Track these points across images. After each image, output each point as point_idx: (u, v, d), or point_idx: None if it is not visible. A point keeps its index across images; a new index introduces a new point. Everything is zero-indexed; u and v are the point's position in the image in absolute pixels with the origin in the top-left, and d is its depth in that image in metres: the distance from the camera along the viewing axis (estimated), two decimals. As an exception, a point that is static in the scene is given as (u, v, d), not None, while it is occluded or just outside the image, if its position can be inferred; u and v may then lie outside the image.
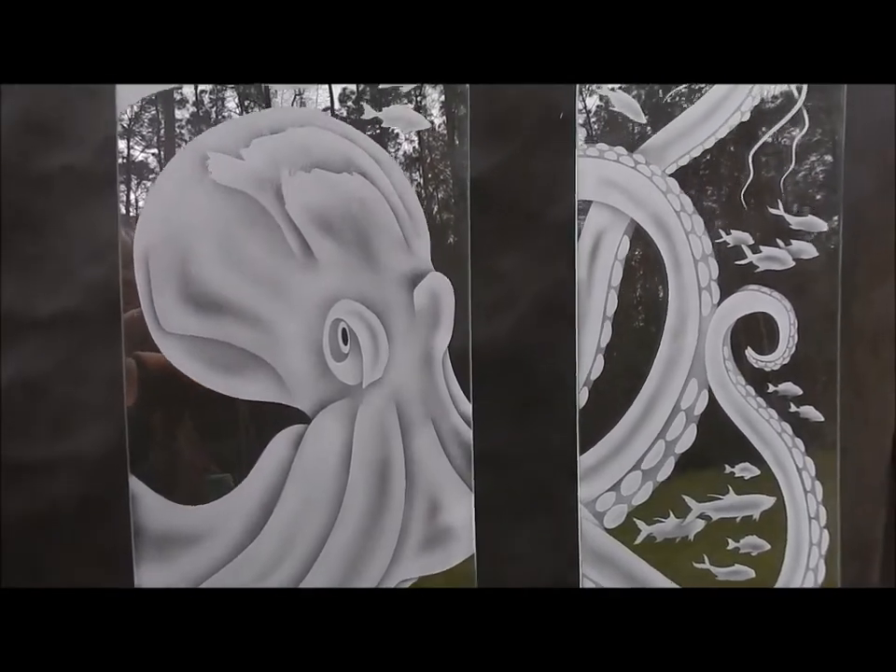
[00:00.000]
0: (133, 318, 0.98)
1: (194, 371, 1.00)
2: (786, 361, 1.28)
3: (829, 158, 1.29)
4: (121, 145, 0.98)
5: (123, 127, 0.98)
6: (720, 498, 1.25)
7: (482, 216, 1.10)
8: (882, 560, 1.39)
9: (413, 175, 1.09)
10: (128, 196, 0.98)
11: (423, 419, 1.09)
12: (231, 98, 1.02)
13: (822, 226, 1.28)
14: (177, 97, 1.00)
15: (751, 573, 1.25)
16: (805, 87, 1.26)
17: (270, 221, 1.02)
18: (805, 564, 1.30)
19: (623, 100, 1.18)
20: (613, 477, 1.19)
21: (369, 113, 1.06)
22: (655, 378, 1.21)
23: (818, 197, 1.29)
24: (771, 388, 1.27)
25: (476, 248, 1.10)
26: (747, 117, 1.24)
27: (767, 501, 1.27)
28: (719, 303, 1.24)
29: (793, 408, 1.28)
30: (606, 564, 1.19)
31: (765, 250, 1.26)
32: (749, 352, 1.26)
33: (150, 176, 0.99)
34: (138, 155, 1.00)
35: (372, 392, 1.07)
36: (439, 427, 1.10)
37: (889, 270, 1.34)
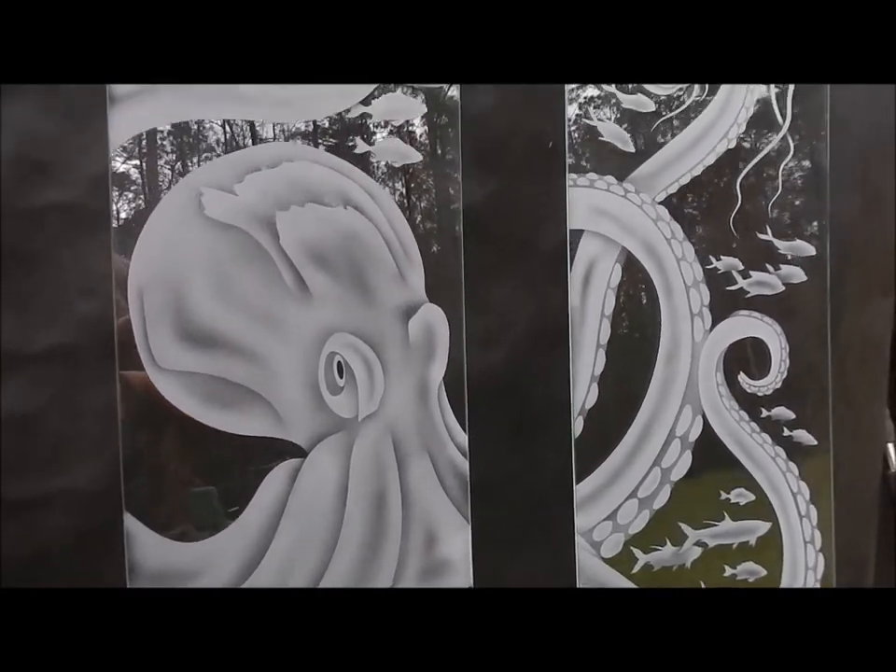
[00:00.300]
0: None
1: (190, 407, 0.99)
2: (778, 386, 1.29)
3: (815, 182, 1.31)
4: (114, 180, 0.98)
5: (116, 162, 0.97)
6: (716, 525, 1.25)
7: (474, 245, 1.11)
8: (875, 581, 1.39)
9: (406, 206, 1.09)
10: (121, 231, 0.98)
11: (419, 451, 1.09)
12: (220, 132, 1.02)
13: (810, 250, 1.30)
14: (171, 132, 1.00)
15: (749, 599, 1.25)
16: (789, 114, 1.28)
17: (264, 256, 1.02)
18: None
19: (612, 130, 1.19)
20: (610, 506, 1.19)
21: (361, 147, 1.06)
22: (650, 405, 1.22)
23: (805, 221, 1.31)
24: (764, 413, 1.28)
25: (469, 278, 1.11)
26: (733, 144, 1.26)
27: (763, 527, 1.28)
28: (711, 329, 1.25)
29: (787, 432, 1.29)
30: (604, 592, 1.19)
31: (755, 275, 1.27)
32: (742, 377, 1.27)
33: (143, 212, 0.98)
34: (131, 190, 0.99)
35: (368, 425, 1.07)
36: (435, 458, 1.10)
37: (875, 288, 1.36)
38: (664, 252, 1.22)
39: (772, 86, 1.28)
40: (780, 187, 1.28)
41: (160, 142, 1.00)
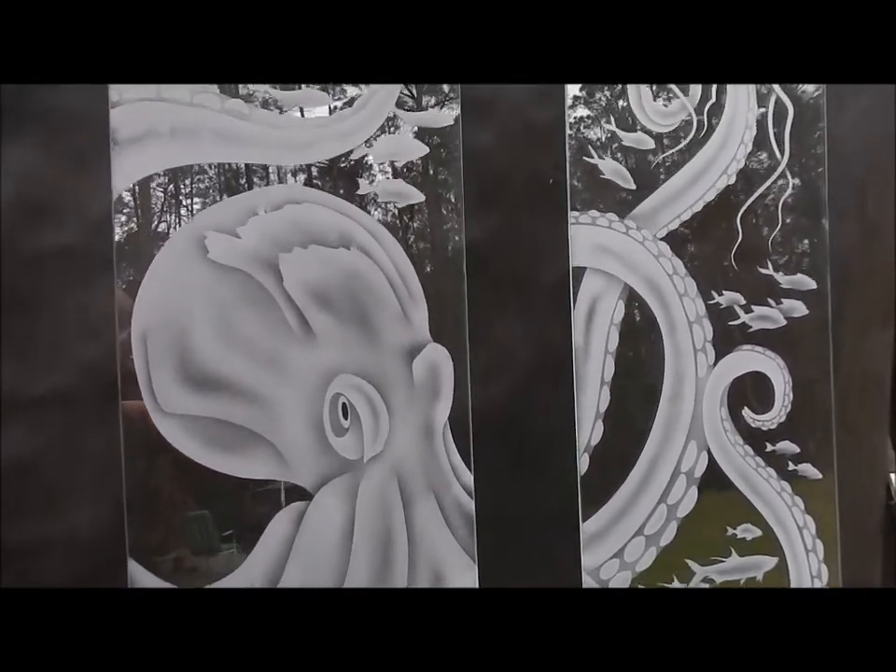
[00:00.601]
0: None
1: (193, 450, 0.99)
2: (782, 420, 1.28)
3: (814, 216, 1.32)
4: (118, 223, 0.98)
5: (119, 205, 0.97)
6: (722, 561, 1.24)
7: (477, 282, 1.11)
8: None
9: (409, 245, 1.09)
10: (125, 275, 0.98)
11: (424, 492, 1.08)
12: (223, 176, 1.02)
13: (811, 283, 1.30)
14: (174, 175, 1.00)
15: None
16: (787, 149, 1.29)
17: (268, 298, 1.01)
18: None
19: (612, 167, 1.19)
20: (616, 544, 1.18)
21: (364, 188, 1.06)
22: (655, 442, 1.21)
23: (805, 255, 1.31)
24: (769, 447, 1.28)
25: (473, 316, 1.10)
26: (733, 179, 1.26)
27: (770, 562, 1.27)
28: (714, 364, 1.25)
29: (792, 466, 1.29)
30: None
31: (757, 310, 1.27)
32: (746, 412, 1.27)
33: (147, 256, 0.98)
34: (135, 234, 0.99)
35: (373, 466, 1.06)
36: (440, 498, 1.09)
37: (875, 320, 1.36)
38: (666, 288, 1.22)
39: (770, 122, 1.28)
40: (780, 221, 1.29)
41: (163, 186, 1.00)
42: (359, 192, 1.06)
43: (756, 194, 1.28)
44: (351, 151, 1.06)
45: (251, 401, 1.01)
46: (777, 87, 1.28)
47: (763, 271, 1.28)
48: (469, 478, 1.10)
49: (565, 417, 1.16)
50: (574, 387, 1.16)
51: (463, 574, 1.10)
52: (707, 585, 1.23)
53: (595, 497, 1.17)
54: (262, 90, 1.03)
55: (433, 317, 1.09)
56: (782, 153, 1.29)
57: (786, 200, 1.29)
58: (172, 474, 0.99)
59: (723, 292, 1.25)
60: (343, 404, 1.05)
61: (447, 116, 1.10)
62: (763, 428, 1.28)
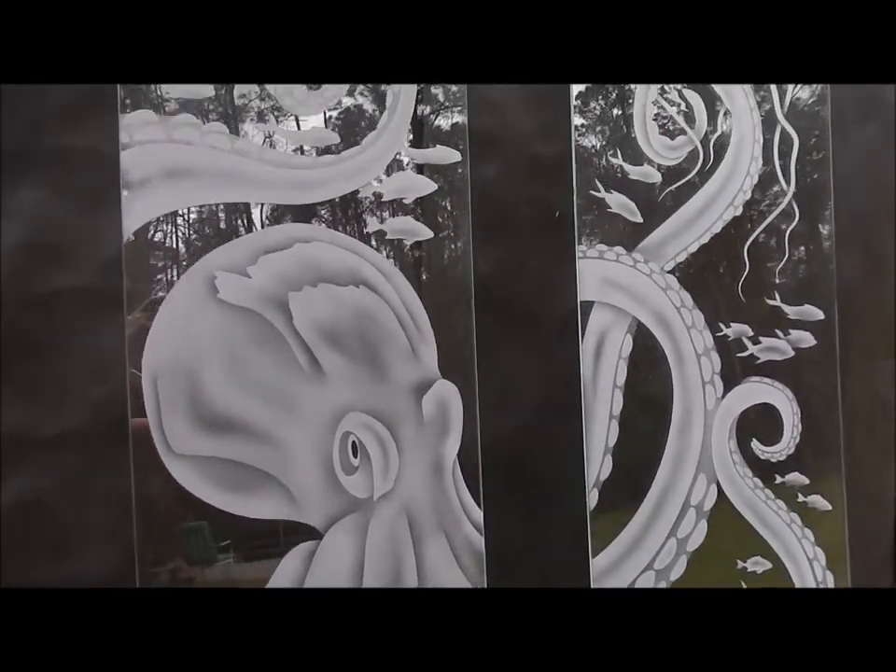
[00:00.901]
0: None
1: (203, 491, 0.98)
2: (791, 451, 1.28)
3: (821, 246, 1.32)
4: (128, 264, 0.98)
5: (130, 247, 0.97)
6: (733, 594, 1.23)
7: (486, 317, 1.11)
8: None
9: (418, 281, 1.09)
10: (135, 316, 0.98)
11: (435, 530, 1.08)
12: (233, 216, 1.02)
13: (819, 314, 1.30)
14: (184, 216, 1.00)
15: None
16: (793, 179, 1.29)
17: (278, 337, 1.01)
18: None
19: (620, 201, 1.19)
20: (626, 578, 1.18)
21: (373, 225, 1.06)
22: (664, 475, 1.21)
23: (812, 285, 1.31)
24: (778, 479, 1.27)
25: (482, 351, 1.10)
26: (739, 211, 1.27)
27: (781, 594, 1.26)
28: (723, 397, 1.25)
29: (801, 498, 1.29)
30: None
31: (765, 341, 1.27)
32: (755, 443, 1.27)
33: (158, 296, 0.98)
34: (145, 275, 0.99)
35: (383, 504, 1.06)
36: (450, 536, 1.09)
37: (883, 350, 1.36)
38: (674, 321, 1.22)
39: (776, 153, 1.29)
40: (787, 252, 1.29)
41: (173, 226, 1.01)
42: (368, 230, 1.07)
43: (763, 225, 1.28)
44: (360, 189, 1.06)
45: (262, 441, 1.01)
46: (781, 118, 1.29)
47: (771, 302, 1.28)
48: (478, 515, 1.10)
49: (574, 452, 1.15)
50: (583, 422, 1.15)
51: (473, 611, 1.09)
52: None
53: (605, 533, 1.17)
54: (272, 129, 1.03)
55: (442, 353, 1.09)
56: (788, 184, 1.29)
57: (792, 230, 1.29)
58: (183, 515, 0.99)
59: (731, 324, 1.25)
60: (353, 442, 1.05)
61: (454, 152, 1.10)
62: (772, 460, 1.28)
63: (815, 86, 1.31)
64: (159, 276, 1.00)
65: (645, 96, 1.21)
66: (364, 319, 1.06)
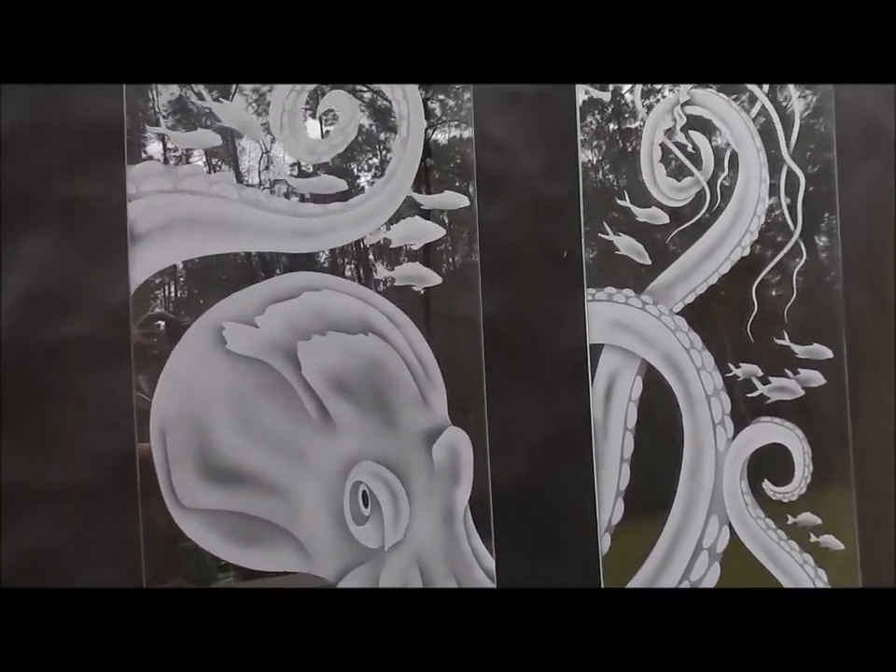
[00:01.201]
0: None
1: (212, 544, 0.97)
2: (803, 491, 1.27)
3: (828, 284, 1.31)
4: (135, 314, 0.97)
5: (137, 297, 0.97)
6: (748, 637, 1.22)
7: (495, 362, 1.10)
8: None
9: (427, 328, 1.08)
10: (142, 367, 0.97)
11: (446, 578, 1.07)
12: (240, 265, 1.02)
13: (827, 353, 1.30)
14: (192, 267, 0.99)
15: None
16: (800, 219, 1.29)
17: (286, 387, 1.00)
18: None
19: (628, 243, 1.19)
20: (641, 624, 1.16)
21: (381, 272, 1.06)
22: (676, 518, 1.20)
23: (820, 324, 1.31)
24: (790, 520, 1.26)
25: (492, 397, 1.10)
26: (747, 251, 1.26)
27: (795, 637, 1.25)
28: (733, 437, 1.24)
29: (814, 538, 1.28)
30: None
31: (775, 381, 1.26)
32: (767, 484, 1.26)
33: (165, 348, 0.97)
34: (153, 325, 0.99)
35: (394, 554, 1.04)
36: (462, 584, 1.07)
37: (890, 386, 1.35)
38: (684, 362, 1.21)
39: (782, 193, 1.29)
40: (795, 291, 1.28)
41: (180, 277, 1.00)
42: (377, 277, 1.06)
43: (771, 265, 1.28)
44: (368, 236, 1.06)
45: (271, 493, 0.99)
46: (788, 158, 1.29)
47: (779, 341, 1.28)
48: (490, 562, 1.09)
49: (585, 496, 1.14)
50: (594, 466, 1.15)
51: (486, 661, 1.08)
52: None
53: (618, 577, 1.16)
54: (279, 177, 1.03)
55: (452, 400, 1.08)
56: (795, 223, 1.29)
57: (800, 269, 1.29)
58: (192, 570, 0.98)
59: (740, 364, 1.25)
60: (364, 492, 1.03)
61: (462, 197, 1.10)
62: (784, 501, 1.27)
63: (820, 124, 1.31)
64: (166, 326, 0.99)
65: (652, 138, 1.21)
66: (373, 367, 1.05)
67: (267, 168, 1.03)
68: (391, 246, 1.07)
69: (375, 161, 1.08)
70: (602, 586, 1.14)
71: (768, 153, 1.28)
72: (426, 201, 1.09)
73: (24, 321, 0.94)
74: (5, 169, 0.93)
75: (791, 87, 1.29)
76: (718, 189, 1.25)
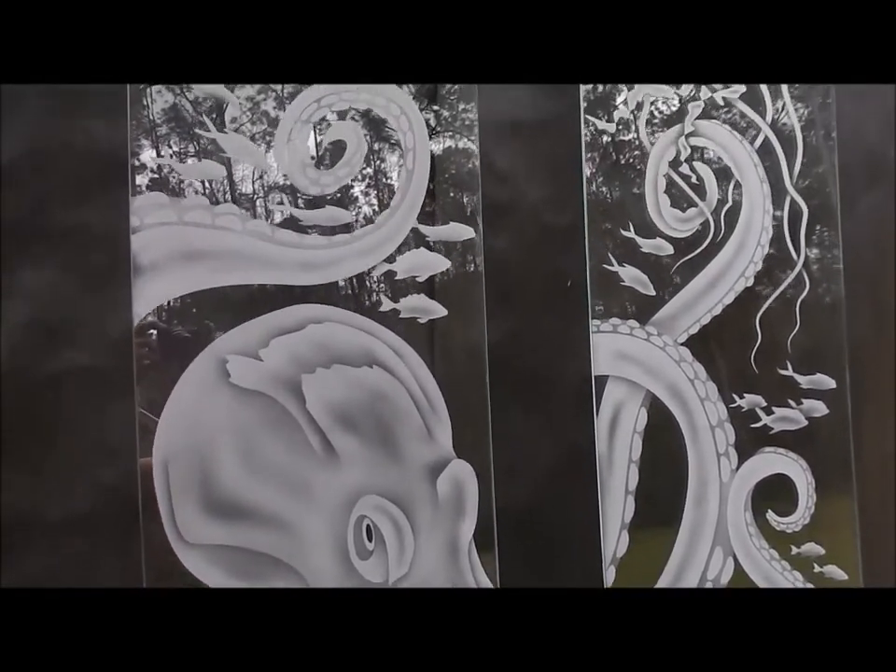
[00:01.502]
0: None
1: (214, 579, 0.96)
2: (806, 521, 1.27)
3: (831, 314, 1.31)
4: (138, 347, 0.96)
5: (140, 330, 0.96)
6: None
7: (500, 396, 1.10)
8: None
9: (432, 360, 1.08)
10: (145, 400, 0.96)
11: (451, 613, 1.05)
12: (244, 298, 1.01)
13: (831, 383, 1.29)
14: (195, 300, 0.99)
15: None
16: (803, 250, 1.29)
17: (290, 421, 1.00)
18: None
19: (632, 274, 1.19)
20: (646, 658, 1.16)
21: (387, 305, 1.05)
22: (680, 550, 1.19)
23: (823, 354, 1.31)
24: (794, 550, 1.26)
25: (497, 430, 1.09)
26: (751, 282, 1.26)
27: (800, 669, 1.24)
28: (737, 468, 1.24)
29: (817, 568, 1.27)
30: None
31: (778, 411, 1.26)
32: (771, 514, 1.25)
33: (169, 380, 0.97)
34: (156, 358, 0.98)
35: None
36: (467, 619, 1.06)
37: (892, 416, 1.35)
38: (688, 393, 1.21)
39: (786, 223, 1.29)
40: (798, 321, 1.28)
41: (184, 309, 0.99)
42: (382, 309, 1.05)
43: (774, 296, 1.28)
44: (373, 268, 1.05)
45: (274, 528, 0.98)
46: (791, 189, 1.29)
47: (783, 371, 1.27)
48: (495, 596, 1.07)
49: (590, 529, 1.14)
50: (599, 498, 1.14)
51: (491, 697, 1.07)
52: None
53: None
54: (284, 209, 1.02)
55: (456, 432, 1.08)
56: (798, 253, 1.29)
57: (803, 300, 1.29)
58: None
59: (744, 395, 1.25)
60: (368, 526, 1.03)
61: (468, 229, 1.10)
62: (788, 531, 1.26)
63: (823, 155, 1.31)
64: (169, 359, 0.98)
65: (656, 168, 1.21)
66: (378, 400, 1.04)
67: (271, 199, 1.03)
68: (396, 278, 1.06)
69: (381, 192, 1.08)
70: (607, 620, 1.13)
71: (771, 184, 1.28)
72: (431, 232, 1.08)
73: (25, 351, 0.93)
74: (6, 197, 0.93)
75: (793, 118, 1.30)
76: (722, 220, 1.25)
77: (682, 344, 1.21)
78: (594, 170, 1.19)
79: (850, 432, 1.30)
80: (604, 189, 1.20)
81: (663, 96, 1.22)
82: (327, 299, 1.03)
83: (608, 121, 1.19)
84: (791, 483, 1.27)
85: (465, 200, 1.12)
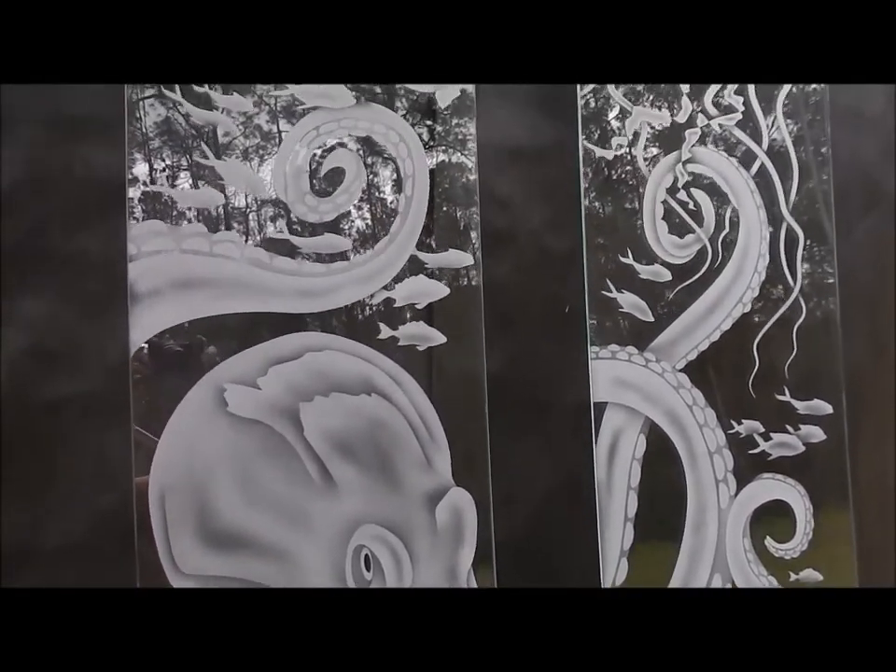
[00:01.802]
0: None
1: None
2: (804, 547, 1.27)
3: (827, 339, 1.32)
4: (135, 375, 0.95)
5: (137, 358, 0.95)
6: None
7: (499, 423, 1.09)
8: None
9: (430, 387, 1.07)
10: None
11: (449, 643, 1.04)
12: (242, 326, 1.00)
13: (827, 408, 1.29)
14: (192, 327, 0.98)
15: None
16: (799, 275, 1.29)
17: (288, 450, 0.99)
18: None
19: (631, 301, 1.19)
20: (645, 687, 1.15)
21: (385, 332, 1.05)
22: (679, 577, 1.19)
23: (820, 379, 1.31)
24: (793, 577, 1.26)
25: (496, 457, 1.08)
26: (748, 308, 1.26)
27: (800, 697, 1.24)
28: (736, 494, 1.23)
29: (816, 595, 1.26)
30: None
31: (776, 437, 1.26)
32: (769, 541, 1.25)
33: (166, 409, 0.96)
34: (153, 386, 0.97)
35: (397, 619, 1.02)
36: (466, 649, 1.05)
37: (889, 439, 1.35)
38: (686, 420, 1.21)
39: (782, 250, 1.29)
40: (795, 346, 1.28)
41: (182, 336, 0.98)
42: (380, 337, 1.05)
43: (771, 321, 1.28)
44: (371, 296, 1.05)
45: (272, 558, 0.97)
46: (787, 215, 1.29)
47: (780, 397, 1.27)
48: (493, 626, 1.07)
49: (589, 556, 1.13)
50: (598, 525, 1.13)
51: (489, 728, 1.06)
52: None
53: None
54: (282, 237, 1.02)
55: (455, 460, 1.07)
56: (795, 279, 1.29)
57: (800, 325, 1.29)
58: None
59: (742, 421, 1.24)
60: (366, 555, 1.02)
61: (467, 256, 1.10)
62: (787, 557, 1.26)
63: (819, 181, 1.32)
64: (167, 388, 0.98)
65: (654, 195, 1.21)
66: (376, 428, 1.03)
67: (270, 227, 1.03)
68: (395, 306, 1.06)
69: (379, 220, 1.08)
70: (606, 648, 1.12)
71: (768, 210, 1.28)
72: (430, 260, 1.08)
73: (23, 379, 0.92)
74: (5, 225, 0.92)
75: (789, 144, 1.30)
76: (719, 246, 1.25)
77: (681, 371, 1.21)
78: (592, 196, 1.19)
79: (847, 457, 1.30)
80: (602, 215, 1.21)
81: (660, 123, 1.23)
82: (325, 327, 1.03)
83: (605, 148, 1.19)
84: (790, 509, 1.27)
85: (463, 228, 1.11)
